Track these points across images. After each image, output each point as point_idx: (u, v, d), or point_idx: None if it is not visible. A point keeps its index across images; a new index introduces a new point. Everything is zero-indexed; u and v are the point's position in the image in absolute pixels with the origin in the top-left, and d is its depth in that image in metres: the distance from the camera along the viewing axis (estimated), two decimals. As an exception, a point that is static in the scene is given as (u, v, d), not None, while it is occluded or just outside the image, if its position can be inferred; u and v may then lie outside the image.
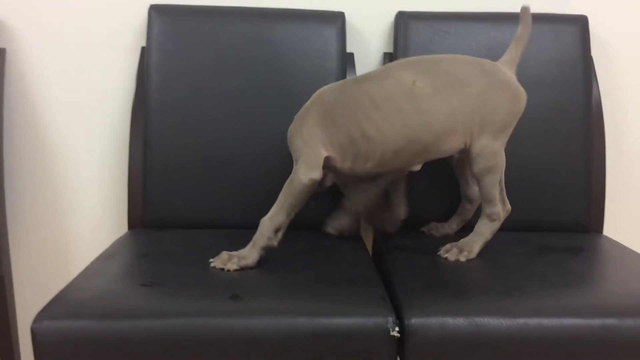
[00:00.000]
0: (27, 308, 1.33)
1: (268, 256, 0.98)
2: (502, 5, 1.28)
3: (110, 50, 1.28)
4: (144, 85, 1.22)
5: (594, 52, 1.30)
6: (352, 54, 1.30)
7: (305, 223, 1.18)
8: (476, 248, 0.99)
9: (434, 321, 0.78)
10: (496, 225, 1.00)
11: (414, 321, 0.78)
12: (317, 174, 0.97)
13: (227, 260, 0.94)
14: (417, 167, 1.04)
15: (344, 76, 1.26)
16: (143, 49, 1.25)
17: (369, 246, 1.24)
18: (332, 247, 1.08)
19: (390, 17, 1.29)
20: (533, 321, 0.78)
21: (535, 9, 1.27)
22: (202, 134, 1.21)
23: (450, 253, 0.99)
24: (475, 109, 0.96)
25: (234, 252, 0.95)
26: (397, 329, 0.78)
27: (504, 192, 1.03)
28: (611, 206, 1.33)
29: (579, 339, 0.78)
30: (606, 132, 1.30)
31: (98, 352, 0.78)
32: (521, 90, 1.01)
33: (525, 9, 1.03)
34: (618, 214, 1.35)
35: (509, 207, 1.03)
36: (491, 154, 0.97)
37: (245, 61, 1.22)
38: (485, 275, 0.91)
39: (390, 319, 0.78)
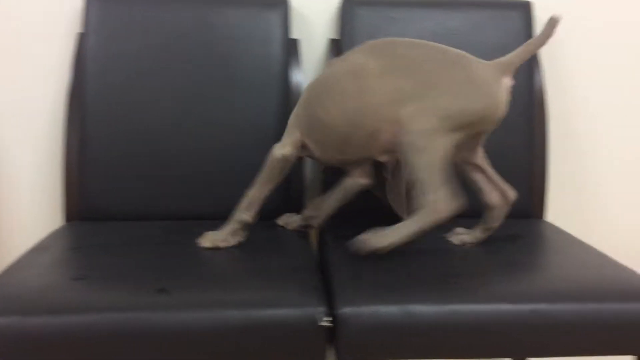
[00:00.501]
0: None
1: (206, 250, 0.97)
2: None
3: (45, 36, 1.23)
4: (80, 72, 1.18)
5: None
6: (296, 40, 1.28)
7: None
8: (387, 237, 0.87)
9: (365, 310, 0.78)
10: (429, 219, 0.85)
11: (345, 310, 0.77)
12: (288, 150, 1.00)
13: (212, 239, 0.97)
14: (385, 158, 0.96)
15: (287, 63, 1.24)
16: (79, 35, 1.21)
17: (316, 237, 1.23)
18: (274, 238, 1.06)
19: (336, 3, 1.27)
20: (464, 307, 0.78)
21: (479, -5, 1.29)
22: (141, 123, 1.18)
23: (356, 241, 0.90)
24: (420, 95, 0.87)
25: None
26: (326, 318, 0.77)
27: (448, 184, 0.87)
28: (554, 192, 1.35)
29: (509, 324, 0.78)
30: (550, 118, 1.32)
31: (23, 348, 0.76)
32: (490, 95, 0.89)
33: (554, 20, 0.91)
34: (561, 200, 1.37)
35: (453, 202, 0.85)
36: (424, 139, 0.85)
37: (186, 47, 1.19)
38: (422, 262, 0.91)
39: (320, 309, 0.77)
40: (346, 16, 1.23)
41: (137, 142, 1.17)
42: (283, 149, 1.00)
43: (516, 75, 1.22)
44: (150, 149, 1.18)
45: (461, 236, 1.02)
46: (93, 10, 1.18)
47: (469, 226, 1.03)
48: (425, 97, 0.87)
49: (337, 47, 1.24)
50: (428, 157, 0.85)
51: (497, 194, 1.00)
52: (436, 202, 0.84)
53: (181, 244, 1.01)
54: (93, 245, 1.02)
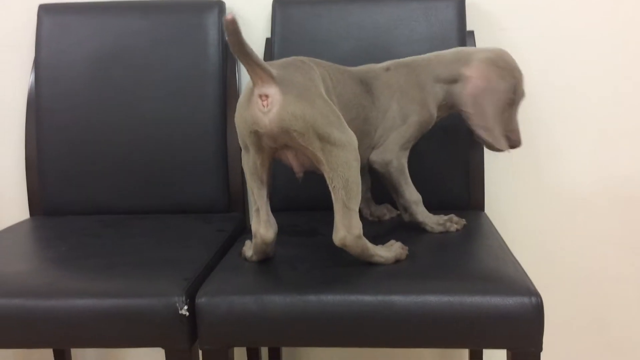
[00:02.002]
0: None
1: (123, 239, 1.06)
2: None
3: (5, 47, 1.36)
4: (37, 80, 1.29)
5: (477, 26, 1.28)
6: (236, 42, 1.33)
7: (190, 205, 1.25)
8: (248, 254, 0.94)
9: (221, 300, 0.82)
10: (254, 243, 0.91)
11: (203, 300, 0.82)
12: None
13: None
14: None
15: (224, 64, 1.29)
16: (36, 43, 1.32)
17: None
18: (194, 229, 1.13)
19: (270, 4, 1.31)
20: (314, 298, 0.80)
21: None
22: (89, 126, 1.27)
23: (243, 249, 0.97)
24: None
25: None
26: (185, 307, 0.82)
27: (261, 210, 0.90)
28: (492, 183, 1.32)
29: (359, 314, 0.80)
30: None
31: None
32: (240, 104, 0.87)
33: (228, 21, 0.75)
34: (499, 191, 1.34)
35: (260, 230, 0.89)
36: None
37: (129, 53, 1.27)
38: (299, 254, 0.94)
39: (180, 298, 0.83)
40: (277, 16, 1.27)
41: (88, 144, 1.27)
42: None
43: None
44: (98, 149, 1.27)
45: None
46: (43, 23, 1.29)
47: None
48: None
49: (270, 46, 1.28)
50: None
51: None
52: (255, 230, 0.90)
53: (107, 236, 1.10)
54: (34, 237, 1.13)
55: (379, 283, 0.83)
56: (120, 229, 1.15)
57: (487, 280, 0.84)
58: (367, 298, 0.80)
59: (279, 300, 0.81)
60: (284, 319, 0.81)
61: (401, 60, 1.07)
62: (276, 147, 0.86)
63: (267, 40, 1.32)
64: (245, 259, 0.93)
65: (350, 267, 0.88)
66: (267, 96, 0.81)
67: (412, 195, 1.04)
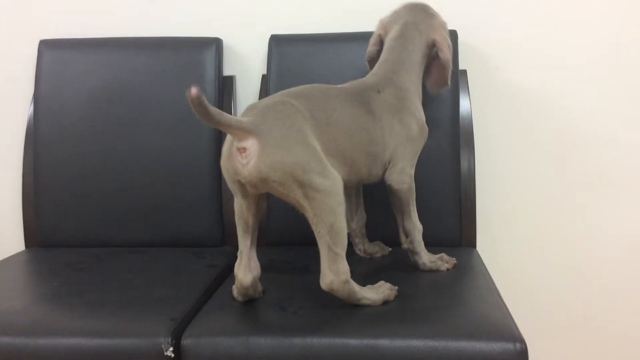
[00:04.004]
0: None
1: (115, 274, 1.06)
2: (362, 26, 1.30)
3: (5, 80, 1.38)
4: (35, 114, 1.31)
5: (469, 65, 1.30)
6: (232, 77, 1.35)
7: (183, 239, 1.26)
8: (235, 294, 0.94)
9: (207, 341, 0.82)
10: (236, 284, 0.93)
11: (189, 341, 0.83)
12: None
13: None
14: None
15: (221, 99, 1.31)
16: (35, 79, 1.34)
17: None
18: (183, 265, 1.13)
19: (266, 41, 1.33)
20: (301, 341, 0.80)
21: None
22: (87, 160, 1.29)
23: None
24: None
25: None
26: (171, 349, 0.82)
27: (242, 253, 0.91)
28: (485, 221, 1.32)
29: (345, 358, 0.80)
30: (481, 144, 1.31)
31: None
32: (226, 156, 0.89)
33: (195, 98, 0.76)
34: (491, 229, 1.34)
35: (239, 275, 0.90)
36: None
37: (128, 88, 1.30)
38: (288, 295, 0.94)
39: (166, 339, 0.83)
40: (273, 53, 1.29)
41: (83, 178, 1.28)
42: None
43: (441, 105, 1.24)
44: (95, 183, 1.28)
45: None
46: (44, 58, 1.32)
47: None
48: None
49: (266, 82, 1.30)
50: None
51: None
52: (235, 271, 0.91)
53: (100, 271, 1.10)
54: (27, 271, 1.14)
55: (365, 326, 0.83)
56: (112, 263, 1.15)
57: (473, 324, 0.84)
58: (353, 342, 0.80)
59: (265, 343, 0.81)
60: (269, 362, 0.81)
61: (380, 77, 1.05)
62: (261, 194, 0.87)
63: (264, 76, 1.34)
64: (233, 298, 0.94)
65: (339, 309, 0.88)
66: (244, 149, 0.82)
67: (417, 220, 1.06)
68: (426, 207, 1.22)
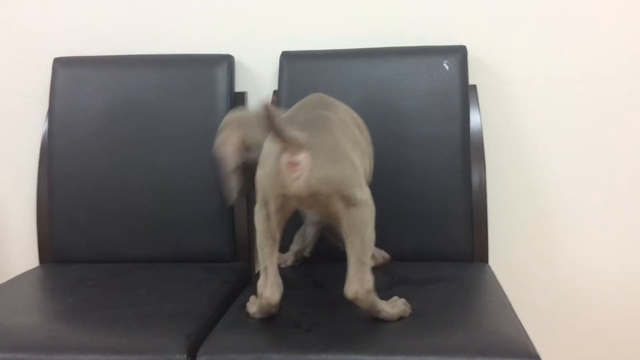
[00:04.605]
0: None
1: (128, 290, 1.07)
2: (372, 41, 1.31)
3: (20, 96, 1.40)
4: (50, 130, 1.33)
5: (479, 80, 1.30)
6: (244, 93, 1.37)
7: (194, 254, 1.27)
8: (251, 311, 0.93)
9: (222, 358, 0.82)
10: (259, 302, 0.90)
11: (204, 358, 0.83)
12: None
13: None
14: None
15: (232, 115, 1.33)
16: (50, 95, 1.36)
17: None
18: (197, 280, 1.14)
19: (278, 57, 1.35)
20: (317, 357, 0.81)
21: (412, 41, 1.32)
22: (101, 177, 1.30)
23: (248, 302, 0.96)
24: None
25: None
26: (186, 366, 0.83)
27: (268, 270, 0.89)
28: (498, 236, 1.32)
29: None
30: (493, 159, 1.31)
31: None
32: (266, 165, 0.86)
33: (265, 104, 0.75)
34: (503, 244, 1.34)
35: (265, 293, 0.88)
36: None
37: (140, 105, 1.31)
38: (303, 310, 0.94)
39: (181, 356, 0.83)
40: (284, 69, 1.30)
41: (97, 194, 1.30)
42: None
43: (451, 121, 1.24)
44: (109, 200, 1.29)
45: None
46: (58, 75, 1.33)
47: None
48: None
49: (278, 98, 1.31)
50: (256, 238, 0.89)
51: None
52: (261, 290, 0.89)
53: (113, 287, 1.11)
54: (41, 287, 1.15)
55: (380, 342, 0.83)
56: (125, 279, 1.16)
57: (487, 340, 0.84)
58: (368, 358, 0.80)
59: (278, 359, 0.81)
60: (284, 379, 0.81)
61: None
62: (298, 208, 0.87)
63: (275, 92, 1.35)
64: (247, 314, 0.94)
65: (353, 325, 0.89)
66: (297, 163, 0.82)
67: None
68: (437, 222, 1.23)
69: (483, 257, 1.24)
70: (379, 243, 1.18)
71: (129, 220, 1.29)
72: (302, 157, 0.82)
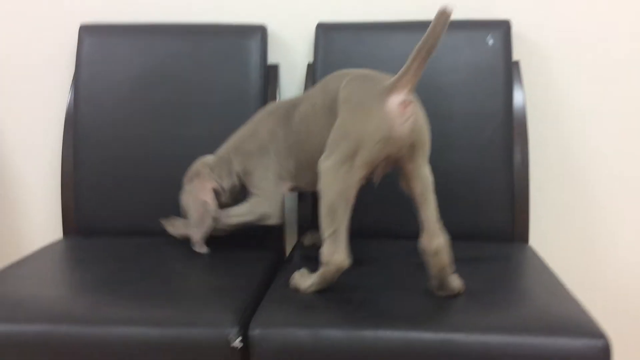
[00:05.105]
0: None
1: (165, 262, 1.03)
2: (414, 14, 1.27)
3: (46, 65, 1.35)
4: (76, 98, 1.28)
5: (523, 56, 1.27)
6: (276, 66, 1.32)
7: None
8: (308, 283, 0.88)
9: (276, 332, 0.79)
10: (324, 271, 0.85)
11: (257, 332, 0.79)
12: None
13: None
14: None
15: (265, 87, 1.28)
16: (76, 64, 1.31)
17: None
18: (239, 257, 1.10)
19: (312, 29, 1.30)
20: (372, 333, 0.78)
21: (455, 14, 1.27)
22: (128, 147, 1.26)
23: (293, 277, 0.92)
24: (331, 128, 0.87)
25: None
26: (238, 340, 0.79)
27: (340, 234, 0.83)
28: (539, 216, 1.29)
29: (419, 352, 0.77)
30: (536, 137, 1.28)
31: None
32: (370, 113, 0.82)
33: (444, 13, 0.77)
34: (548, 224, 1.31)
35: (337, 258, 0.83)
36: (322, 172, 0.84)
37: (169, 75, 1.27)
38: (352, 285, 0.91)
39: (232, 330, 0.80)
40: (320, 41, 1.26)
41: (124, 164, 1.25)
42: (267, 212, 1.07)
43: (494, 97, 1.21)
44: (136, 170, 1.25)
45: (310, 238, 1.14)
46: (84, 43, 1.28)
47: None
48: (331, 135, 0.86)
49: (313, 71, 1.27)
50: (325, 199, 0.83)
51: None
52: (328, 256, 0.84)
53: (145, 260, 1.07)
54: (68, 259, 1.11)
55: (438, 319, 0.80)
56: (157, 252, 1.12)
57: (551, 319, 0.81)
58: (427, 335, 0.77)
59: (335, 335, 0.78)
60: (340, 355, 0.78)
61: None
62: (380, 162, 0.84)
63: (309, 65, 1.31)
64: (296, 290, 0.90)
65: (405, 302, 0.86)
66: (409, 104, 0.81)
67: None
68: (477, 201, 1.20)
69: (524, 237, 1.21)
70: (415, 220, 1.16)
71: (156, 192, 1.25)
72: (413, 98, 0.82)
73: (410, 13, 1.28)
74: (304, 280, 0.90)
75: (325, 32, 1.26)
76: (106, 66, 1.28)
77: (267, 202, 1.06)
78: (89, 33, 1.29)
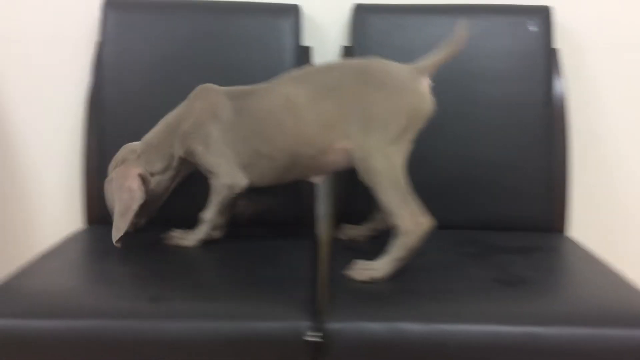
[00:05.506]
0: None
1: (206, 253, 0.99)
2: None
3: (64, 44, 1.27)
4: (98, 79, 1.21)
5: (563, 45, 1.26)
6: (309, 48, 1.28)
7: (261, 217, 1.19)
8: (383, 268, 0.88)
9: (352, 326, 0.77)
10: (406, 240, 0.87)
11: (331, 326, 0.77)
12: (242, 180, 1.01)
13: None
14: (318, 180, 1.03)
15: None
16: (97, 43, 1.24)
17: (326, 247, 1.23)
18: (278, 245, 1.07)
19: (348, 10, 1.26)
20: (453, 327, 0.76)
21: (496, 0, 1.25)
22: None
23: (353, 271, 0.90)
24: (349, 112, 0.92)
25: None
26: (313, 333, 0.76)
27: (411, 200, 0.88)
28: (579, 206, 1.29)
29: (501, 347, 0.76)
30: (573, 129, 1.27)
31: (24, 349, 0.79)
32: (414, 90, 0.93)
33: (462, 28, 0.96)
34: (586, 214, 1.31)
35: (423, 219, 0.87)
36: (372, 153, 0.89)
37: (199, 55, 1.21)
38: (416, 277, 0.89)
39: (306, 324, 0.77)
40: (358, 23, 1.22)
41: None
42: (234, 180, 1.01)
43: (534, 84, 1.20)
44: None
45: (347, 231, 1.10)
46: (109, 20, 1.21)
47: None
48: (353, 115, 0.91)
49: (349, 54, 1.23)
50: (386, 175, 0.88)
51: None
52: (406, 226, 0.87)
53: (183, 251, 1.03)
54: (101, 250, 1.05)
55: (516, 311, 0.79)
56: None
57: (616, 309, 0.81)
58: (513, 329, 0.76)
59: (414, 329, 0.76)
60: (418, 349, 0.76)
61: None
62: None
63: (344, 48, 1.27)
64: (363, 281, 0.87)
65: (472, 292, 0.84)
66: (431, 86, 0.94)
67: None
68: (515, 190, 1.19)
69: (561, 228, 1.21)
70: (452, 210, 1.15)
71: (187, 182, 1.20)
72: None
73: (449, -4, 1.25)
74: (372, 268, 0.88)
75: (363, 14, 1.22)
76: (131, 44, 1.21)
77: (227, 175, 1.01)
78: (114, 9, 1.22)
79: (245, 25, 1.22)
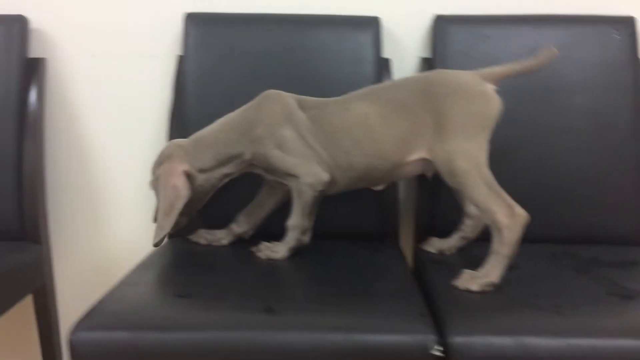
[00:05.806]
0: (70, 318, 1.34)
1: (302, 265, 0.97)
2: (543, 7, 1.24)
3: (146, 58, 1.28)
4: (180, 93, 1.22)
5: (642, 55, 1.24)
6: (388, 60, 1.27)
7: (343, 231, 1.18)
8: (493, 270, 0.87)
9: (479, 340, 0.75)
10: (507, 235, 0.87)
11: (458, 340, 0.75)
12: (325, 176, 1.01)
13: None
14: (379, 187, 1.09)
15: (379, 82, 1.23)
16: (179, 57, 1.25)
17: (410, 257, 1.21)
18: (369, 258, 1.06)
19: (427, 22, 1.26)
20: (585, 342, 0.74)
21: (580, 10, 1.24)
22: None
23: (460, 280, 0.89)
24: (422, 126, 0.96)
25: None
26: (438, 348, 0.75)
27: (503, 195, 0.89)
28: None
29: (634, 361, 0.74)
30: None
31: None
32: (480, 92, 0.97)
33: (551, 51, 1.01)
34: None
35: (519, 210, 0.88)
36: (454, 155, 0.92)
37: (280, 69, 1.21)
38: (529, 290, 0.87)
39: (431, 337, 0.75)
40: (438, 35, 1.22)
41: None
42: (315, 177, 1.00)
43: (621, 94, 1.18)
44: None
45: (436, 244, 1.09)
46: (191, 33, 1.22)
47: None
48: (426, 126, 0.96)
49: (429, 66, 1.23)
50: (476, 174, 0.91)
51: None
52: (500, 221, 0.88)
53: (284, 263, 1.02)
54: (195, 262, 1.05)
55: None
56: (293, 255, 1.06)
57: None
58: (634, 343, 0.74)
59: (545, 344, 0.74)
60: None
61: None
62: None
63: (423, 59, 1.27)
64: (469, 290, 0.86)
65: (604, 305, 0.82)
66: None
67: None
68: (604, 203, 1.17)
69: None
70: (542, 223, 1.13)
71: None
72: None
73: (534, 6, 1.24)
74: (482, 275, 0.87)
75: (444, 25, 1.22)
76: (214, 59, 1.21)
77: (307, 174, 1.00)
78: (196, 22, 1.23)
79: (326, 38, 1.22)
